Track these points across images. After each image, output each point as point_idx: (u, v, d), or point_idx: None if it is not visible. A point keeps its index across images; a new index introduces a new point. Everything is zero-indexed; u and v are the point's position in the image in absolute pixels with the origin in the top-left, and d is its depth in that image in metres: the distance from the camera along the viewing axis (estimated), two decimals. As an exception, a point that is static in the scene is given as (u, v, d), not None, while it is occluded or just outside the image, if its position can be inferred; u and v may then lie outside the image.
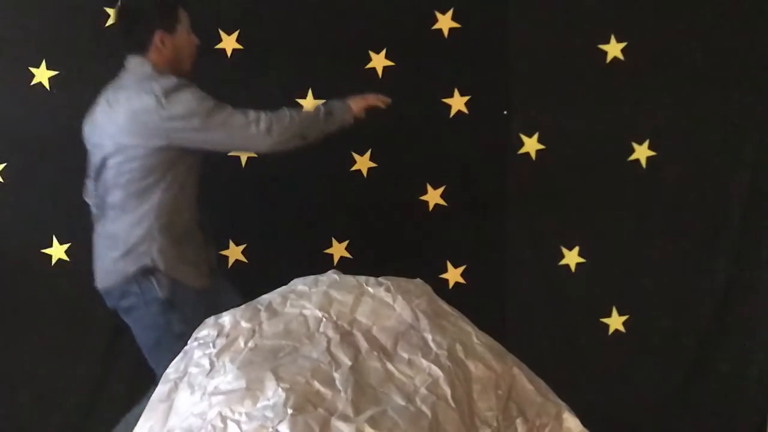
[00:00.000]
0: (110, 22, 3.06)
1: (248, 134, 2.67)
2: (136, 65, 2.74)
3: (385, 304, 2.06)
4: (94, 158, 2.79)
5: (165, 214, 2.71)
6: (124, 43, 2.77)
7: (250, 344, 1.95)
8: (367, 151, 3.24)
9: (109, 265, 2.78)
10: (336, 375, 1.83)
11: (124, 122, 2.66)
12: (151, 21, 2.72)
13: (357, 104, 2.86)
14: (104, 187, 2.76)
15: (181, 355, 2.05)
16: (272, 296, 2.15)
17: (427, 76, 3.21)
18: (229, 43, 3.18)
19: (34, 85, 3.16)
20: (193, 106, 2.64)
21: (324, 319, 2.00)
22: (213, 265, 2.90)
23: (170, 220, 2.72)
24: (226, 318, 2.06)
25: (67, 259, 3.23)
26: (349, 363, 1.87)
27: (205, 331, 2.05)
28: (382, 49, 3.20)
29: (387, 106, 2.92)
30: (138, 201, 2.70)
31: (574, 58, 3.21)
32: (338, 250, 3.28)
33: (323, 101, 2.88)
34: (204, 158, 2.81)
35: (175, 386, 1.94)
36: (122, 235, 2.73)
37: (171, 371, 2.00)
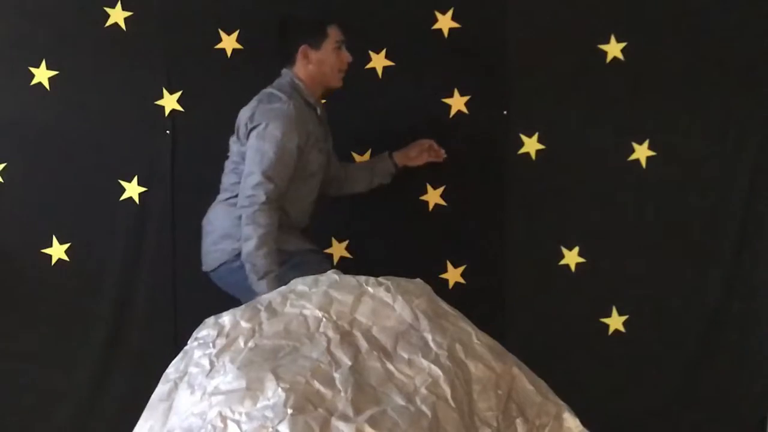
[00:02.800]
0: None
1: (244, 187, 2.78)
2: (283, 75, 2.89)
3: (385, 304, 2.05)
4: (231, 139, 2.93)
5: None
6: (279, 54, 2.91)
7: (250, 344, 1.95)
8: (367, 151, 3.24)
9: (209, 249, 2.91)
10: (336, 375, 1.83)
11: (245, 117, 2.82)
12: (296, 35, 2.86)
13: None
14: (225, 171, 2.93)
15: (181, 355, 2.05)
16: (272, 296, 2.15)
17: (427, 76, 3.21)
18: (229, 43, 3.18)
19: (34, 85, 3.16)
20: (270, 128, 2.75)
21: (324, 319, 2.00)
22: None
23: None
24: (226, 318, 2.06)
25: (67, 259, 3.24)
26: (349, 363, 1.87)
27: (205, 331, 2.05)
28: (382, 49, 3.20)
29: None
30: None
31: (574, 58, 3.21)
32: (338, 250, 3.28)
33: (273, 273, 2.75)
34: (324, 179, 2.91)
35: (175, 386, 1.94)
36: (217, 222, 2.88)
37: (171, 371, 2.00)
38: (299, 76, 2.87)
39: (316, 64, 2.85)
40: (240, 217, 2.76)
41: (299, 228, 2.92)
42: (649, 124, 3.24)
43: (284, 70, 2.90)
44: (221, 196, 2.94)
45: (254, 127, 2.77)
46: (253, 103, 2.84)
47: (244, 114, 2.84)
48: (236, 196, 2.83)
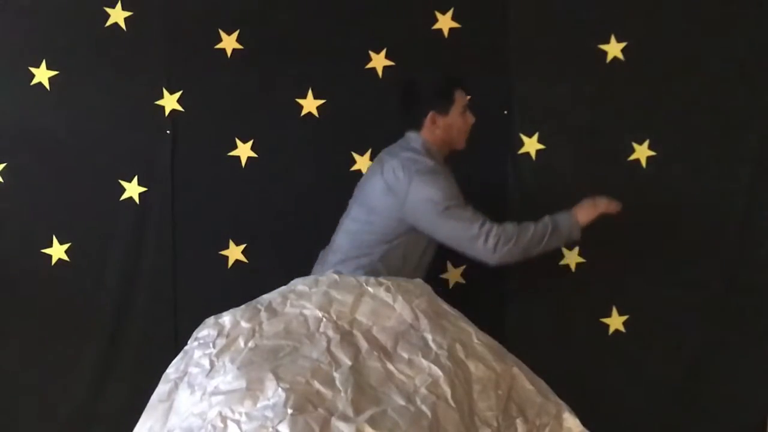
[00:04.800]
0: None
1: (475, 245, 2.75)
2: (410, 139, 2.89)
3: (385, 304, 2.06)
4: (355, 194, 2.96)
5: (376, 271, 2.78)
6: (403, 118, 2.91)
7: (250, 344, 1.95)
8: (367, 151, 3.24)
9: (327, 269, 2.85)
10: (336, 375, 1.83)
11: (379, 183, 2.81)
12: (425, 102, 2.85)
13: (586, 214, 2.83)
14: (339, 229, 2.95)
15: (181, 355, 2.05)
16: (272, 296, 2.15)
17: (427, 77, 3.21)
18: (229, 43, 3.18)
19: (34, 85, 3.16)
20: (434, 195, 2.74)
21: (324, 319, 2.00)
22: None
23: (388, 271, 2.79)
24: (226, 318, 2.06)
25: (67, 259, 3.23)
26: (349, 363, 1.87)
27: (205, 331, 2.05)
28: (382, 49, 3.20)
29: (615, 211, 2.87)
30: (356, 251, 2.84)
31: (574, 58, 3.21)
32: (338, 250, 3.28)
33: (549, 216, 2.81)
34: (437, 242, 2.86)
35: (175, 386, 1.94)
36: (345, 248, 2.87)
37: (171, 371, 2.01)
38: (428, 139, 2.86)
39: (444, 128, 2.86)
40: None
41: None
42: (649, 124, 3.24)
43: (411, 134, 2.88)
44: (333, 257, 2.89)
45: (425, 205, 2.73)
46: (400, 174, 2.77)
47: (393, 184, 2.77)
48: (350, 257, 2.83)
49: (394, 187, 2.77)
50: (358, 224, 2.87)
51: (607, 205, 2.86)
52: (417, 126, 2.88)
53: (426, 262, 2.90)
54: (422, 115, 2.85)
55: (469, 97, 2.90)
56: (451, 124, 2.86)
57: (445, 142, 2.88)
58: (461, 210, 2.74)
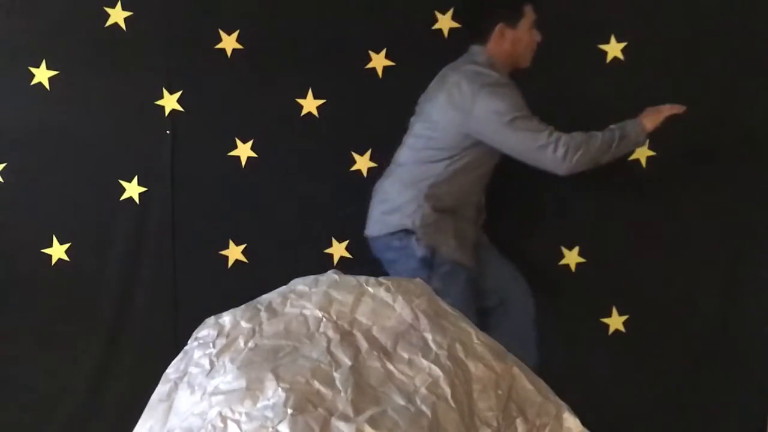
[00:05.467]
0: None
1: (543, 155, 2.76)
2: (474, 53, 2.87)
3: (385, 304, 2.05)
4: (417, 110, 2.96)
5: (438, 187, 2.84)
6: (468, 32, 2.89)
7: (250, 344, 1.95)
8: (367, 151, 3.25)
9: (377, 217, 2.96)
10: (336, 375, 1.83)
11: (442, 98, 2.82)
12: (495, 13, 2.83)
13: (652, 120, 2.83)
14: (402, 146, 2.95)
15: (181, 355, 2.05)
16: (272, 296, 2.15)
17: (427, 76, 3.21)
18: (229, 43, 3.18)
19: (34, 85, 3.16)
20: (500, 107, 2.74)
21: (324, 319, 2.00)
22: (477, 241, 2.99)
23: (442, 194, 2.84)
24: (226, 318, 2.06)
25: (67, 259, 3.24)
26: (349, 363, 1.87)
27: (205, 331, 2.05)
28: (382, 49, 3.20)
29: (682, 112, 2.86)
30: (420, 167, 2.87)
31: (574, 58, 3.21)
32: (338, 250, 3.28)
33: (615, 124, 2.84)
34: (502, 155, 2.88)
35: (175, 386, 1.94)
36: (393, 194, 2.91)
37: (171, 371, 2.00)
38: (492, 53, 2.84)
39: (512, 42, 2.84)
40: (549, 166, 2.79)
41: (465, 220, 2.92)
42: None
43: (475, 47, 2.87)
44: (396, 170, 2.96)
45: (491, 118, 2.74)
46: (464, 86, 2.78)
47: (458, 98, 2.78)
48: (411, 169, 2.88)
49: (459, 101, 2.77)
50: (422, 140, 2.88)
51: (671, 108, 2.84)
52: (483, 39, 2.84)
53: (487, 179, 2.92)
54: (490, 27, 2.82)
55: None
56: (520, 38, 2.84)
57: (511, 57, 2.86)
58: (528, 120, 2.73)
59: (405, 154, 2.96)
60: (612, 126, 2.82)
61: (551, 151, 2.73)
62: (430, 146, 2.86)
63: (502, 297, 3.03)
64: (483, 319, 2.84)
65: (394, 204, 2.91)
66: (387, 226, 2.92)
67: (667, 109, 2.84)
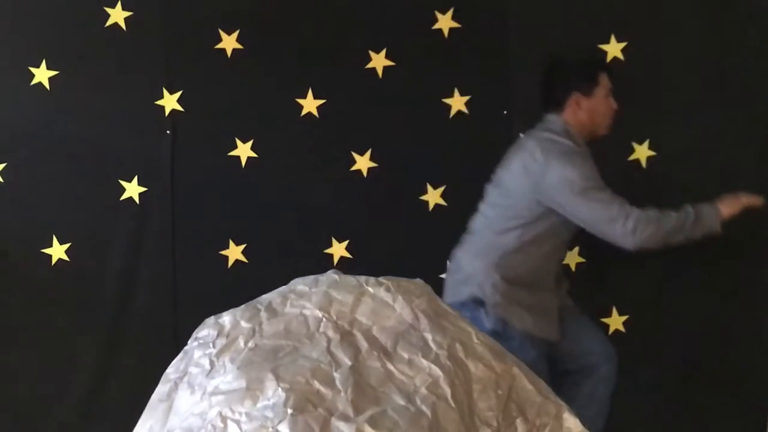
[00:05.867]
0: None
1: (613, 228, 2.72)
2: (550, 121, 2.86)
3: (385, 304, 2.05)
4: (493, 179, 2.93)
5: (510, 258, 2.78)
6: (544, 100, 2.88)
7: (250, 344, 1.95)
8: (367, 151, 3.25)
9: (450, 285, 2.92)
10: (336, 375, 1.83)
11: (516, 165, 2.81)
12: (569, 84, 2.82)
13: (729, 207, 2.79)
14: (476, 214, 2.92)
15: (181, 355, 2.05)
16: (272, 296, 2.14)
17: (427, 76, 3.21)
18: (229, 43, 3.18)
19: (34, 85, 3.16)
20: (572, 175, 2.71)
21: (324, 319, 2.00)
22: (561, 306, 2.92)
23: (514, 265, 2.79)
24: (226, 318, 2.06)
25: (67, 259, 3.24)
26: (349, 363, 1.87)
27: (205, 331, 2.05)
28: (382, 49, 3.20)
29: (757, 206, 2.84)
30: (492, 236, 2.83)
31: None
32: (338, 250, 3.28)
33: (691, 206, 2.80)
34: (576, 228, 2.82)
35: (175, 386, 1.94)
36: (465, 263, 2.87)
37: (171, 371, 2.00)
38: (569, 122, 2.83)
39: (587, 111, 2.83)
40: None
41: (543, 291, 2.87)
42: (649, 124, 3.24)
43: (551, 116, 2.86)
44: (469, 239, 2.94)
45: (562, 187, 2.71)
46: (536, 153, 2.76)
47: (530, 164, 2.77)
48: (484, 238, 2.86)
49: (531, 168, 2.75)
50: (495, 208, 2.86)
51: (750, 199, 2.83)
52: (558, 108, 2.84)
53: (563, 252, 2.89)
54: (566, 96, 2.82)
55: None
56: (595, 107, 2.83)
57: (586, 126, 2.85)
58: (600, 192, 2.72)
59: (478, 222, 2.92)
60: (688, 208, 2.78)
61: (621, 225, 2.69)
62: (503, 214, 2.83)
63: (582, 363, 2.96)
64: (562, 383, 2.78)
65: (466, 273, 2.86)
66: (458, 295, 2.84)
67: (746, 200, 2.82)
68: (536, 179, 2.74)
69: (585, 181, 2.70)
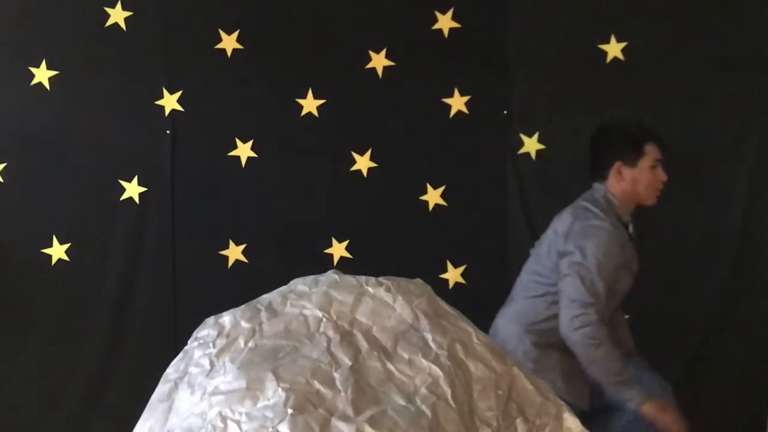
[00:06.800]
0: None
1: (567, 310, 2.63)
2: (595, 189, 2.79)
3: (385, 304, 2.05)
4: (531, 250, 2.89)
5: (542, 324, 2.73)
6: (590, 167, 2.81)
7: (250, 344, 1.95)
8: (367, 151, 3.25)
9: (503, 331, 2.84)
10: (336, 375, 1.83)
11: (550, 230, 2.78)
12: (612, 152, 2.75)
13: (652, 410, 2.62)
14: (521, 272, 2.88)
15: (181, 355, 2.05)
16: (272, 296, 2.14)
17: (427, 76, 3.21)
18: (229, 43, 3.18)
19: (34, 85, 3.16)
20: (584, 245, 2.64)
21: (324, 319, 2.00)
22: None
23: (546, 330, 2.72)
24: (226, 318, 2.06)
25: (67, 259, 3.24)
26: (349, 363, 1.87)
27: (205, 331, 2.05)
28: (382, 49, 3.20)
29: None
30: (525, 301, 2.80)
31: (574, 58, 3.21)
32: (338, 250, 3.29)
33: (634, 378, 2.65)
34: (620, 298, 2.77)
35: (175, 386, 1.93)
36: (501, 326, 2.83)
37: (171, 371, 2.00)
38: (612, 192, 2.76)
39: (630, 182, 2.74)
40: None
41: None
42: (649, 124, 3.24)
43: (596, 185, 2.79)
44: (509, 303, 2.89)
45: (572, 252, 2.65)
46: (567, 217, 2.73)
47: (559, 226, 2.74)
48: (518, 303, 2.82)
49: (560, 230, 2.72)
50: (530, 274, 2.82)
51: (673, 421, 2.63)
52: (602, 176, 2.77)
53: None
54: (609, 165, 2.74)
55: (658, 155, 2.78)
56: (638, 178, 2.74)
57: (631, 195, 2.76)
58: (596, 278, 2.61)
59: (517, 286, 2.90)
60: (631, 374, 2.63)
61: (572, 314, 2.61)
62: (534, 279, 2.80)
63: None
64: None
65: (501, 337, 2.81)
66: None
67: (670, 419, 2.63)
68: (561, 241, 2.70)
69: (591, 258, 2.62)
